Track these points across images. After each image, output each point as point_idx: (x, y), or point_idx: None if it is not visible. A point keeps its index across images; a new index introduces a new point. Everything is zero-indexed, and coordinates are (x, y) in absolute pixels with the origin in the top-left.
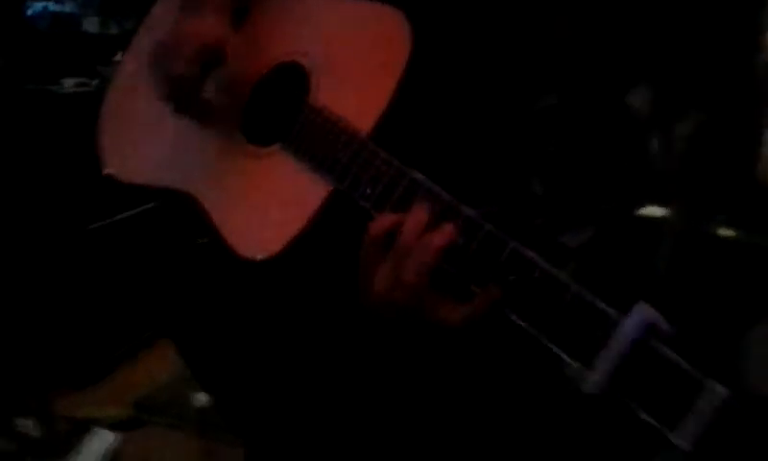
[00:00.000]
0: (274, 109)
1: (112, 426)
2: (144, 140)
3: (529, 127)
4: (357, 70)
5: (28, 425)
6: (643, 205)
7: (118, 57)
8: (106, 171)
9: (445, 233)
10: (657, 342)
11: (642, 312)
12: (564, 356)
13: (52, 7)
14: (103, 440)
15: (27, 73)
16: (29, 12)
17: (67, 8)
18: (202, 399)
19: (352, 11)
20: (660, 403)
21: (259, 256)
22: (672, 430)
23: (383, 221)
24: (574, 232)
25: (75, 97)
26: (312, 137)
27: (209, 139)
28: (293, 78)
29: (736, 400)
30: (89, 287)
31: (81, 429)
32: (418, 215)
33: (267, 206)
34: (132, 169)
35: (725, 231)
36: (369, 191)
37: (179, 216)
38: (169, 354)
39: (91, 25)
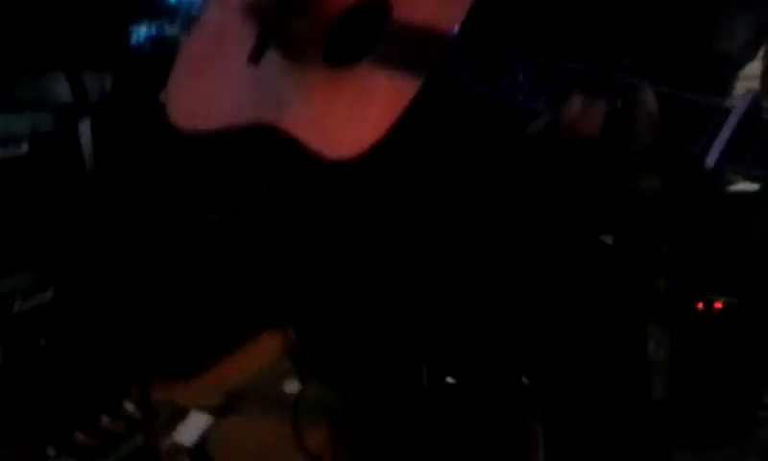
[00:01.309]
0: (355, 34)
1: (207, 412)
2: (220, 84)
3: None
4: None
5: (134, 409)
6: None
7: None
8: (174, 121)
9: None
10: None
11: (747, 96)
12: (688, 149)
13: (153, 31)
14: (199, 422)
15: (135, 92)
16: (133, 40)
17: (167, 31)
18: (293, 387)
19: None
20: None
21: (352, 152)
22: None
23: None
24: None
25: None
26: (400, 44)
27: (292, 69)
28: (373, 6)
29: None
30: (187, 287)
31: (180, 413)
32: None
33: (357, 107)
34: (205, 114)
35: None
36: (465, 74)
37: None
38: (261, 350)
39: None
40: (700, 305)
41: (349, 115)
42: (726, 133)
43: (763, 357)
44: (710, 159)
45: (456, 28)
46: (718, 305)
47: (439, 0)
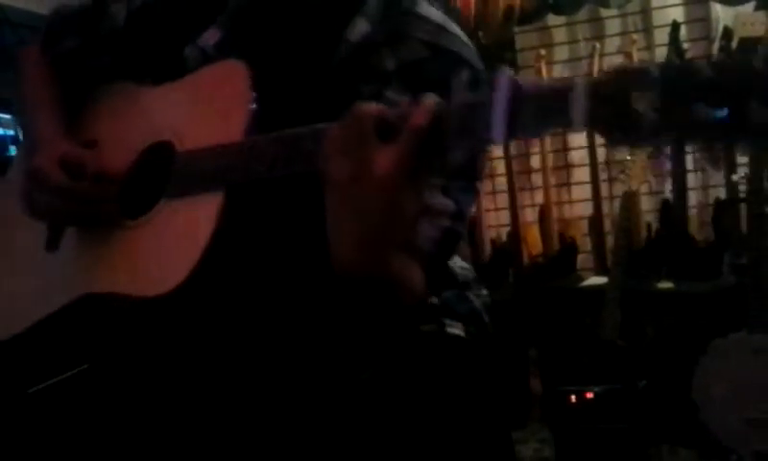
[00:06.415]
0: (146, 182)
1: None
2: (16, 285)
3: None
4: (211, 114)
5: None
6: None
7: None
8: None
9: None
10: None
11: (502, 73)
12: (476, 137)
13: None
14: None
15: None
16: None
17: None
18: None
19: (187, 82)
20: (548, 112)
21: (171, 284)
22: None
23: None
24: None
25: None
26: (191, 171)
27: (94, 238)
28: (159, 153)
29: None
30: None
31: None
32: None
33: (167, 246)
34: (12, 319)
35: (664, 284)
36: (262, 167)
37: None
38: None
39: None
40: (572, 398)
41: (162, 255)
42: (499, 107)
43: (639, 440)
44: (497, 134)
45: (240, 136)
46: (589, 395)
47: (216, 120)
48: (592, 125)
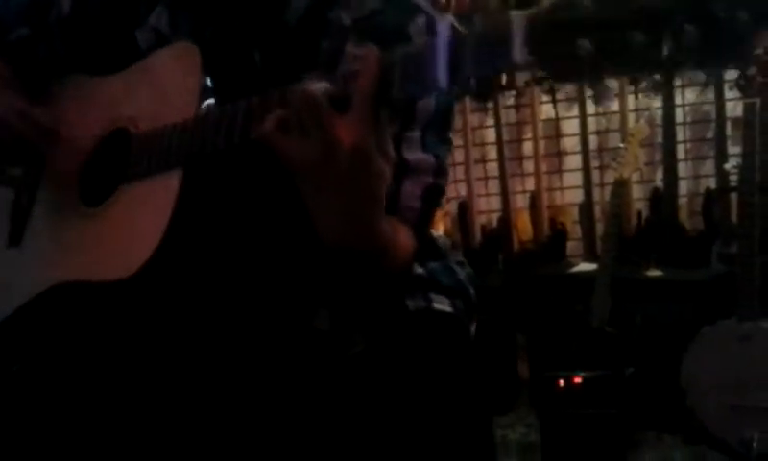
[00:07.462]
0: (104, 170)
1: None
2: None
3: None
4: (164, 97)
5: None
6: None
7: None
8: None
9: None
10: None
11: (444, 22)
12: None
13: None
14: None
15: None
16: None
17: None
18: None
19: (139, 67)
20: (490, 53)
21: (136, 265)
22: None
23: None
24: None
25: None
26: (148, 153)
27: (56, 230)
28: (115, 140)
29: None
30: None
31: None
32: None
33: (129, 228)
34: None
35: (653, 272)
36: (218, 141)
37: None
38: None
39: None
40: (561, 383)
41: (122, 240)
42: (440, 53)
43: (626, 426)
44: (442, 80)
45: (192, 112)
46: (577, 381)
47: (169, 102)
48: (534, 63)
